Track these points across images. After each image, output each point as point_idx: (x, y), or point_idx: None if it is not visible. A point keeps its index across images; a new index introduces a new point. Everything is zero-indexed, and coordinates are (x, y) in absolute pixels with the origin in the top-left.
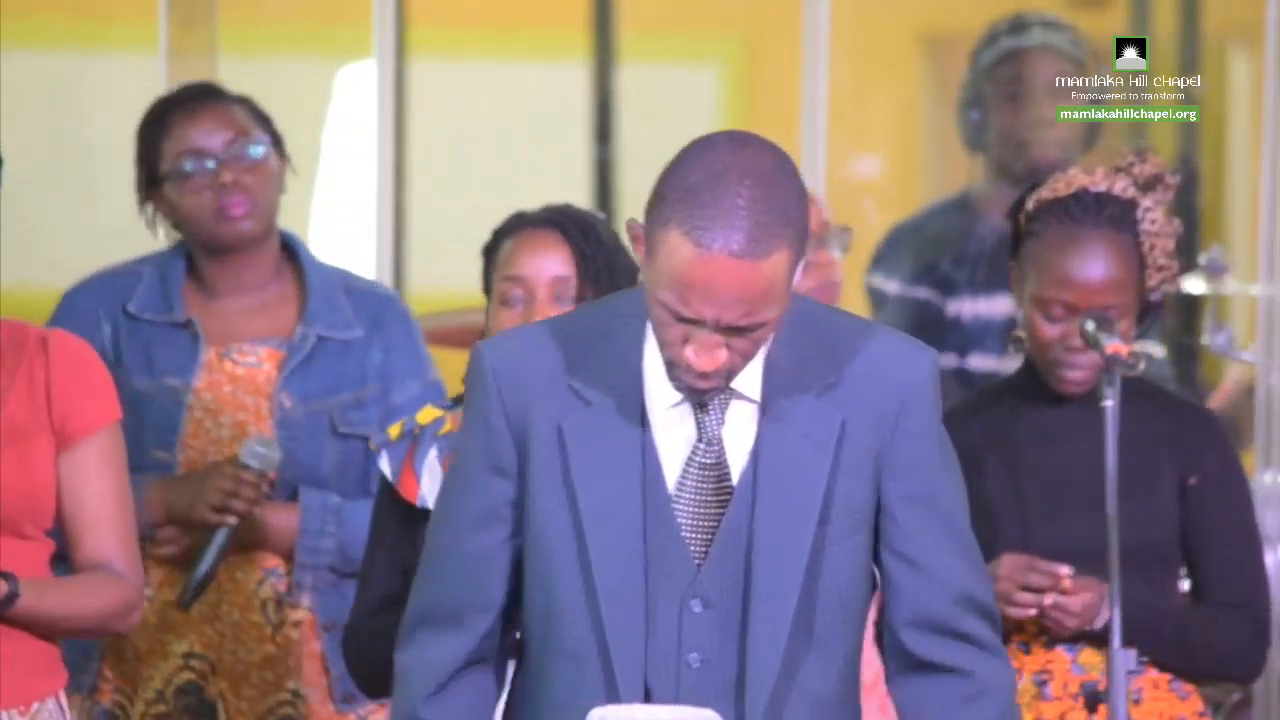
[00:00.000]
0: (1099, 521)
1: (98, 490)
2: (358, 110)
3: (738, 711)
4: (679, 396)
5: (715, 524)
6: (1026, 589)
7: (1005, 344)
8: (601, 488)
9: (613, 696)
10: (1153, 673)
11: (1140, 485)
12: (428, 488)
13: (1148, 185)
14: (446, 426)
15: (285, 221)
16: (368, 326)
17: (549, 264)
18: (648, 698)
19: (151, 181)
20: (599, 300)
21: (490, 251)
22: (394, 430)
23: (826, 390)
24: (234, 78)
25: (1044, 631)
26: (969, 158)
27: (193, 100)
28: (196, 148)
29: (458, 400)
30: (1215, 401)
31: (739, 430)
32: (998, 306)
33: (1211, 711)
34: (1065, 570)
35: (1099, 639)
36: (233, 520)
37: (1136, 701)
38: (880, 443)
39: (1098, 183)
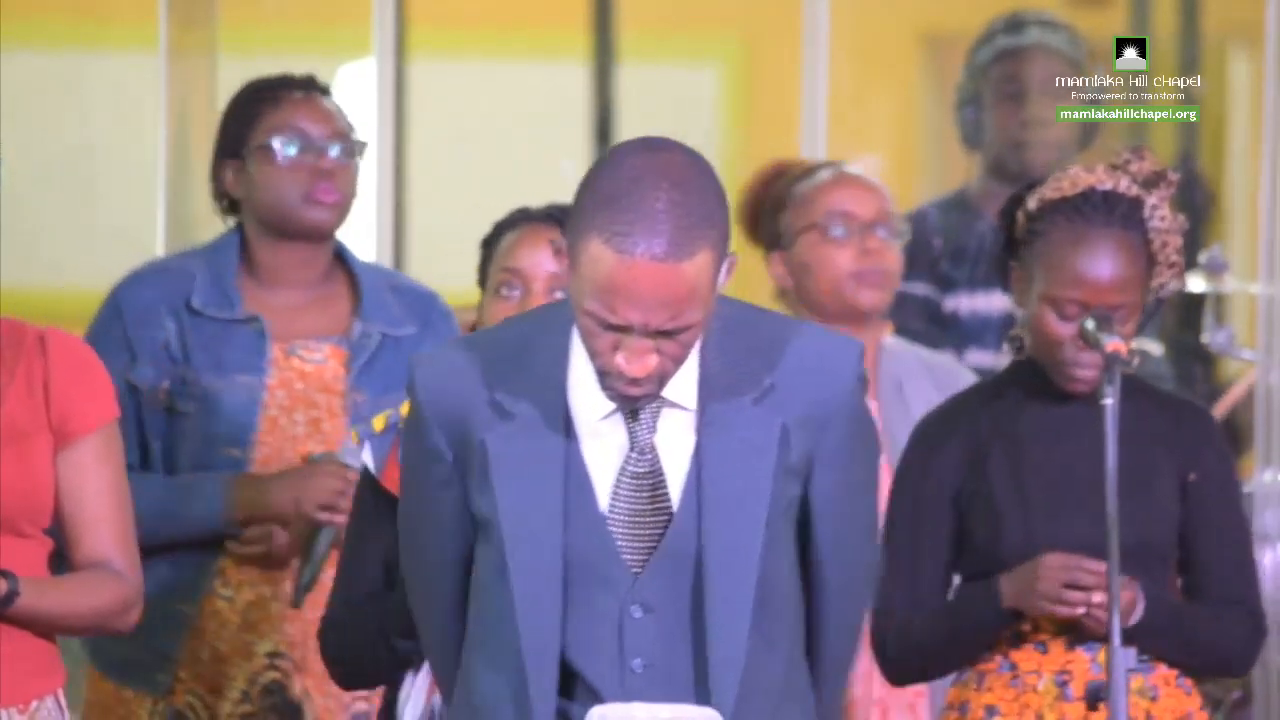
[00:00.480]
0: (1101, 519)
1: (96, 489)
2: (357, 109)
3: None
4: (609, 408)
5: (654, 531)
6: (1073, 587)
7: (1003, 342)
8: (522, 501)
9: (521, 708)
10: (1162, 669)
11: (1141, 483)
12: None
13: (1149, 183)
14: None
15: None
16: (419, 324)
17: (548, 259)
18: (597, 701)
19: (234, 150)
20: (525, 313)
21: (489, 244)
22: (378, 422)
23: (763, 394)
24: (234, 77)
25: (1066, 631)
26: (968, 156)
27: (306, 88)
28: (302, 129)
29: None
30: (1223, 407)
31: (675, 439)
32: (995, 303)
33: (1211, 709)
34: (1105, 569)
35: (1125, 636)
36: (341, 519)
37: (1154, 699)
38: (813, 440)
39: (1102, 181)
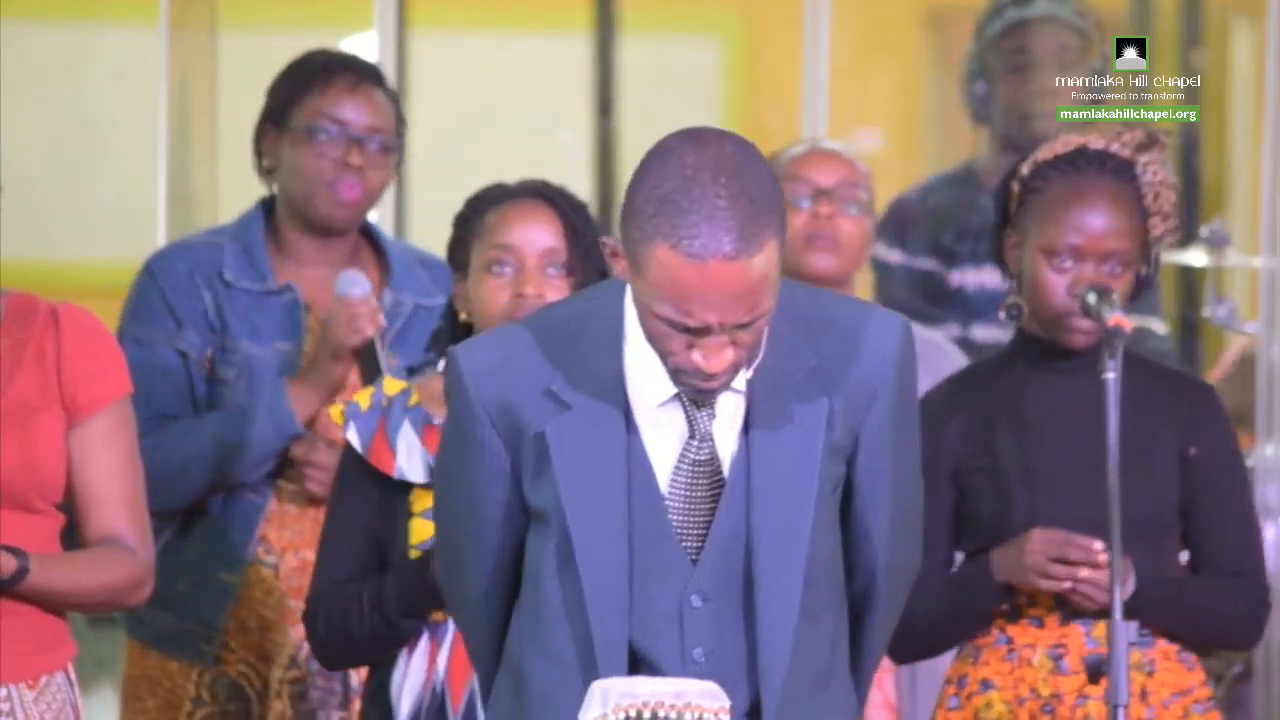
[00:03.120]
0: (1102, 493)
1: (107, 465)
2: None
3: (751, 698)
4: (667, 394)
5: (707, 518)
6: (1061, 561)
7: (1000, 311)
8: (586, 492)
9: None
10: (1163, 644)
11: (1140, 457)
12: (404, 460)
13: (1142, 147)
14: (414, 398)
15: None
16: (448, 295)
17: (540, 235)
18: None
19: (277, 124)
20: (571, 296)
21: (467, 220)
22: (364, 401)
23: (810, 375)
24: (235, 51)
25: (1061, 606)
26: (972, 130)
27: (359, 75)
28: (343, 118)
29: (411, 370)
30: (1214, 375)
31: (727, 421)
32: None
33: (1213, 684)
34: (1099, 545)
35: (1127, 614)
36: (369, 331)
37: (1150, 674)
38: (858, 418)
39: (1095, 142)
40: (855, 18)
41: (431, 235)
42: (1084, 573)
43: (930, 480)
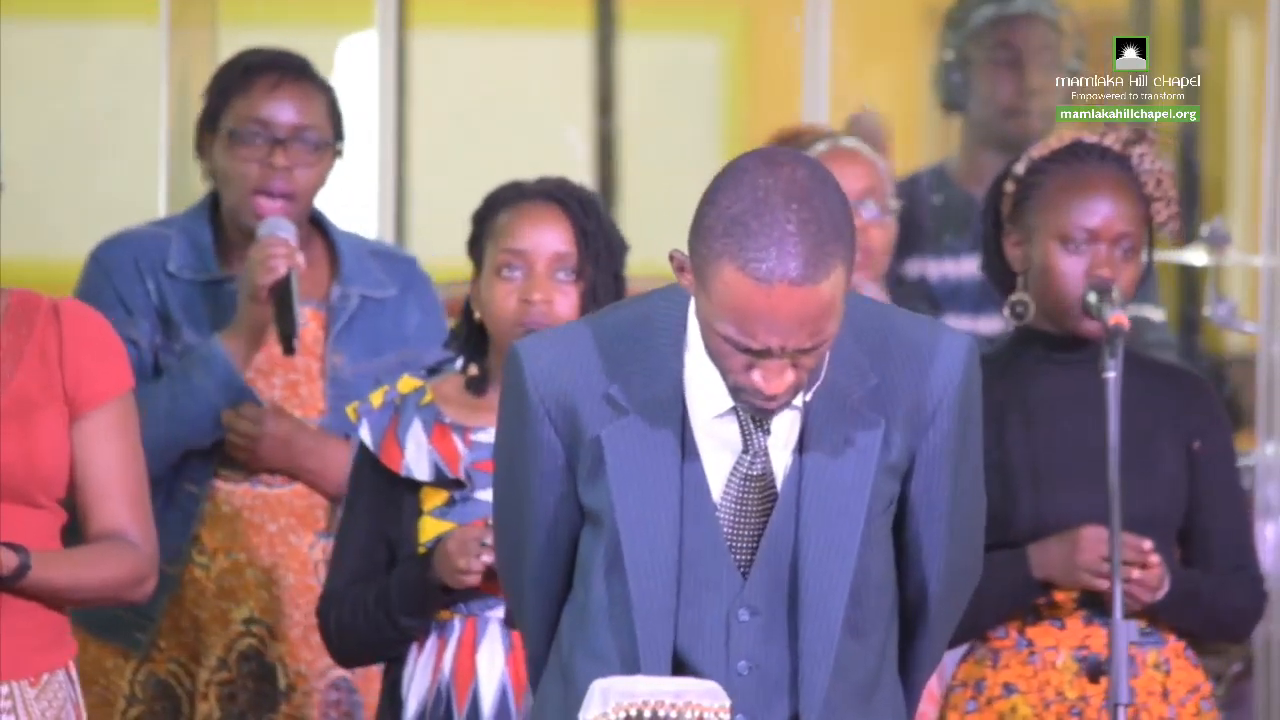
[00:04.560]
0: (1106, 489)
1: (110, 460)
2: (359, 81)
3: (793, 711)
4: (723, 406)
5: (757, 531)
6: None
7: (996, 308)
8: (638, 499)
9: None
10: (1173, 641)
11: (1147, 455)
12: (412, 458)
13: (1130, 142)
14: (428, 397)
15: None
16: (400, 287)
17: (549, 239)
18: None
19: (211, 128)
20: (634, 299)
21: (483, 219)
22: (376, 399)
23: (869, 394)
24: (235, 48)
25: (1083, 607)
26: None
27: (281, 73)
28: (265, 118)
29: (432, 370)
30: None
31: (782, 438)
32: (965, 268)
33: (1213, 682)
34: (1149, 545)
35: (1147, 613)
36: (282, 269)
37: (1168, 672)
38: (916, 438)
39: (1088, 136)
40: (855, 16)
41: (432, 234)
42: (1136, 573)
43: None
